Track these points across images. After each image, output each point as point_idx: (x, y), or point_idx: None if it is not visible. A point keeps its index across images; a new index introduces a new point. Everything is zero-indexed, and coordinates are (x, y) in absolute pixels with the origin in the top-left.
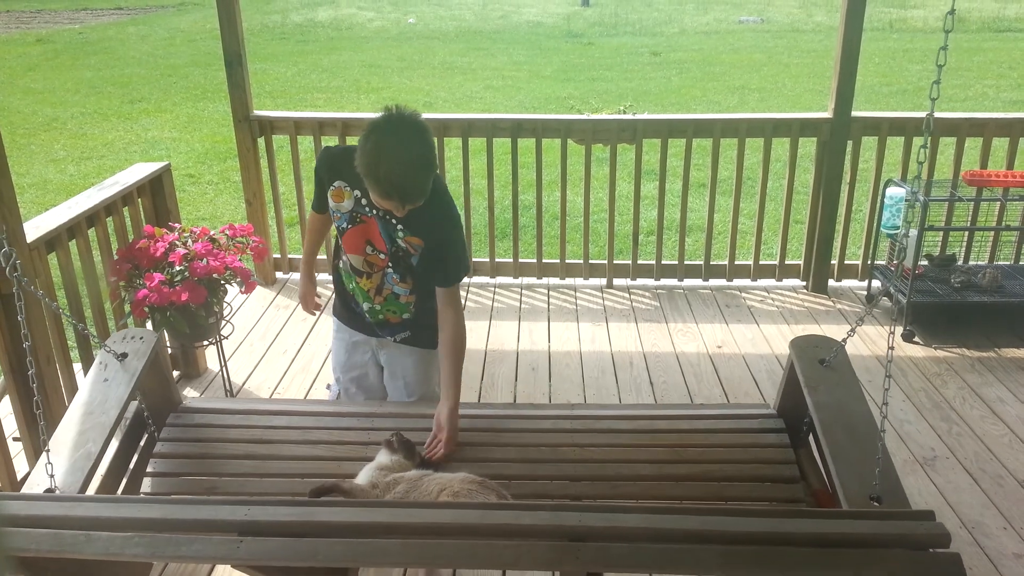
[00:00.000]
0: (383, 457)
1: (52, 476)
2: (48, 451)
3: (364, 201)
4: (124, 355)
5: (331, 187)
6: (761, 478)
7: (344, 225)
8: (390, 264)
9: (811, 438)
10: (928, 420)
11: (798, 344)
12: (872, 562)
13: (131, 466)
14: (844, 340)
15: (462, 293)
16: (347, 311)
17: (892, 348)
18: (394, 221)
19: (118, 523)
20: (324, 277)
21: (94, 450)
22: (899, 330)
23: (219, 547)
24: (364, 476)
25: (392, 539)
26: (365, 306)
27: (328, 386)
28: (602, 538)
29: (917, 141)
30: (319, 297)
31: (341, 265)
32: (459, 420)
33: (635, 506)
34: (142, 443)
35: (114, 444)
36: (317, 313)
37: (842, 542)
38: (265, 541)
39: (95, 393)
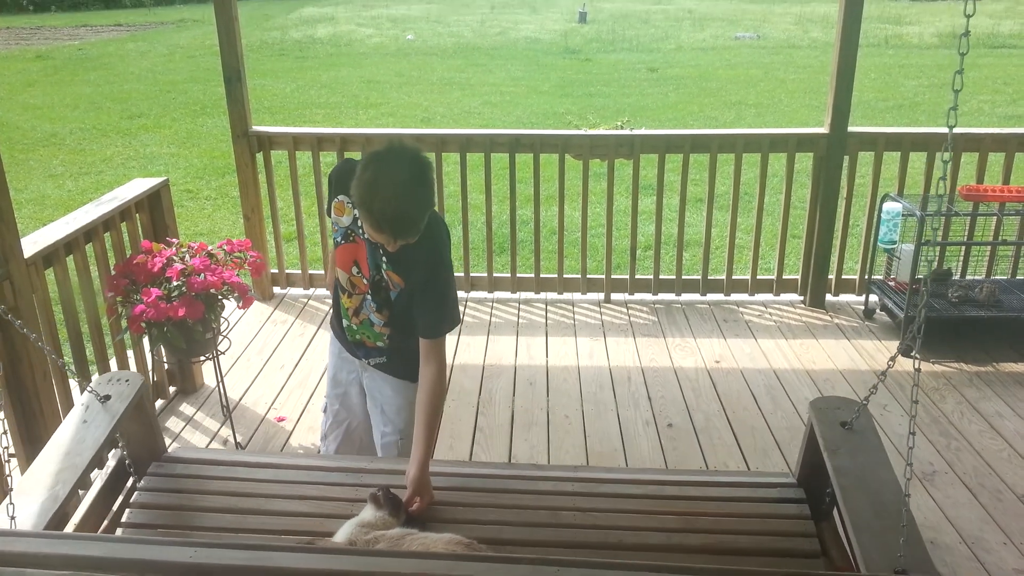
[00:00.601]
0: (367, 513)
1: (13, 518)
2: (11, 491)
3: (360, 222)
4: (107, 397)
5: (335, 199)
6: (779, 552)
7: (339, 239)
8: (370, 291)
9: (835, 512)
10: (927, 435)
11: (818, 406)
12: None
13: (109, 516)
14: (866, 399)
15: (459, 308)
16: (338, 323)
17: (916, 401)
18: (380, 251)
19: (55, 560)
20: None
21: (62, 493)
22: (899, 348)
23: None
24: (343, 533)
25: None
26: (345, 323)
27: (323, 409)
28: None
29: (914, 156)
30: None
31: (336, 277)
32: (429, 477)
33: (621, 563)
34: (124, 491)
35: (94, 490)
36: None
37: None
38: None
39: (72, 434)
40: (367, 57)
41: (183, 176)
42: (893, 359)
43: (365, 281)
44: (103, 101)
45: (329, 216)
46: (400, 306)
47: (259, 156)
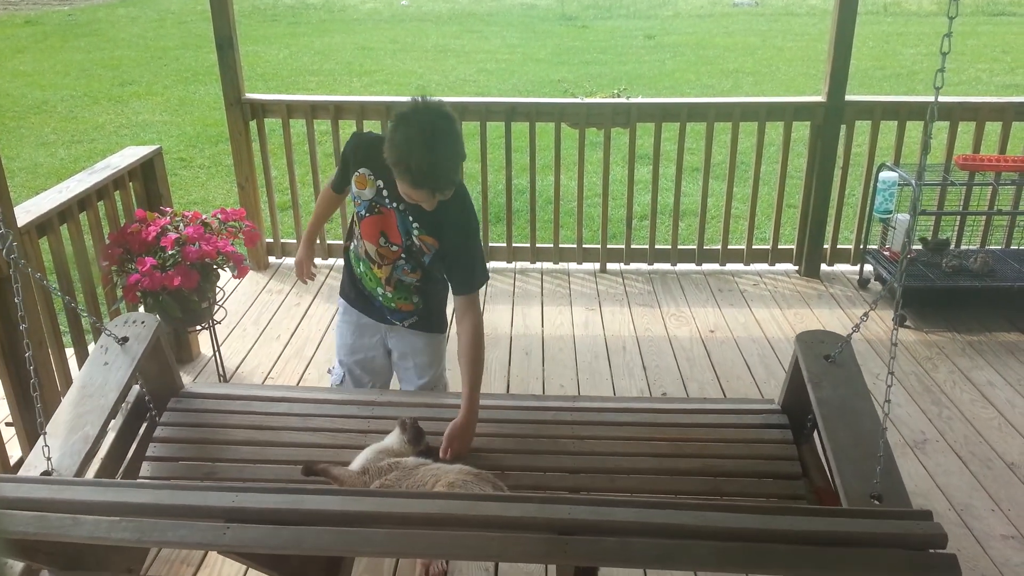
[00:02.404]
0: (391, 438)
1: (49, 459)
2: (45, 434)
3: (386, 192)
4: (125, 339)
5: (356, 172)
6: (762, 474)
7: (363, 212)
8: (403, 256)
9: (816, 435)
10: (919, 404)
11: (804, 339)
12: (867, 562)
13: (131, 450)
14: (849, 336)
15: None
16: (356, 292)
17: (895, 344)
18: (411, 218)
19: (106, 507)
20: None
21: (92, 433)
22: (889, 313)
23: (205, 533)
24: (360, 459)
25: (379, 528)
26: (379, 291)
27: (329, 370)
28: (591, 532)
29: (911, 126)
30: (315, 267)
31: (353, 248)
32: (475, 428)
33: (627, 500)
34: (143, 427)
35: (115, 428)
36: (309, 282)
37: (837, 541)
38: (250, 528)
39: (95, 376)
40: (360, 23)
41: (176, 144)
42: (875, 303)
43: (395, 248)
44: (94, 68)
45: (338, 192)
46: (434, 267)
47: (252, 124)
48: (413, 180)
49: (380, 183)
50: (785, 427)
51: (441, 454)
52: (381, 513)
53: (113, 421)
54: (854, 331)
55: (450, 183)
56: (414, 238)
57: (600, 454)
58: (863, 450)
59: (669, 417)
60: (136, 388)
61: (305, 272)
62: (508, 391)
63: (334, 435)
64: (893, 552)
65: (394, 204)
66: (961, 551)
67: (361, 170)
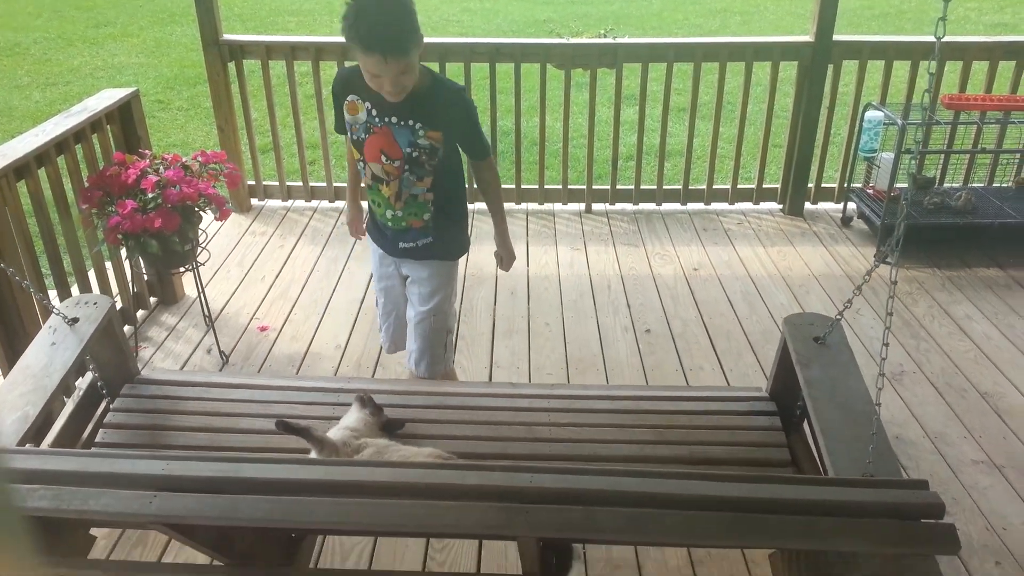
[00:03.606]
0: (353, 414)
1: None
2: None
3: (375, 112)
4: (75, 320)
5: (345, 101)
6: (750, 462)
7: (362, 136)
8: (407, 168)
9: (805, 424)
10: (897, 337)
11: (792, 322)
12: (858, 532)
13: (84, 437)
14: (839, 316)
15: None
16: (375, 229)
17: (891, 314)
18: (411, 121)
19: (24, 475)
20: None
21: (32, 413)
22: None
23: (129, 502)
24: (335, 434)
25: (322, 498)
26: (388, 214)
27: (376, 303)
28: (555, 501)
29: (898, 65)
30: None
31: (363, 179)
32: (512, 246)
33: (595, 468)
34: (97, 414)
35: (64, 414)
36: (364, 238)
37: (826, 510)
38: (180, 497)
39: (40, 357)
40: None
41: (153, 86)
42: (868, 274)
43: (396, 164)
44: (66, 9)
45: (342, 132)
46: (446, 160)
47: (231, 66)
48: (363, 45)
49: (368, 104)
50: (773, 414)
51: (504, 268)
52: (327, 482)
53: (65, 407)
54: (845, 307)
55: (401, 48)
56: (421, 142)
57: (578, 441)
58: (854, 430)
59: (652, 404)
60: (89, 374)
61: (357, 230)
62: (493, 329)
63: (296, 421)
64: (885, 522)
65: (386, 119)
66: (933, 476)
67: (349, 97)
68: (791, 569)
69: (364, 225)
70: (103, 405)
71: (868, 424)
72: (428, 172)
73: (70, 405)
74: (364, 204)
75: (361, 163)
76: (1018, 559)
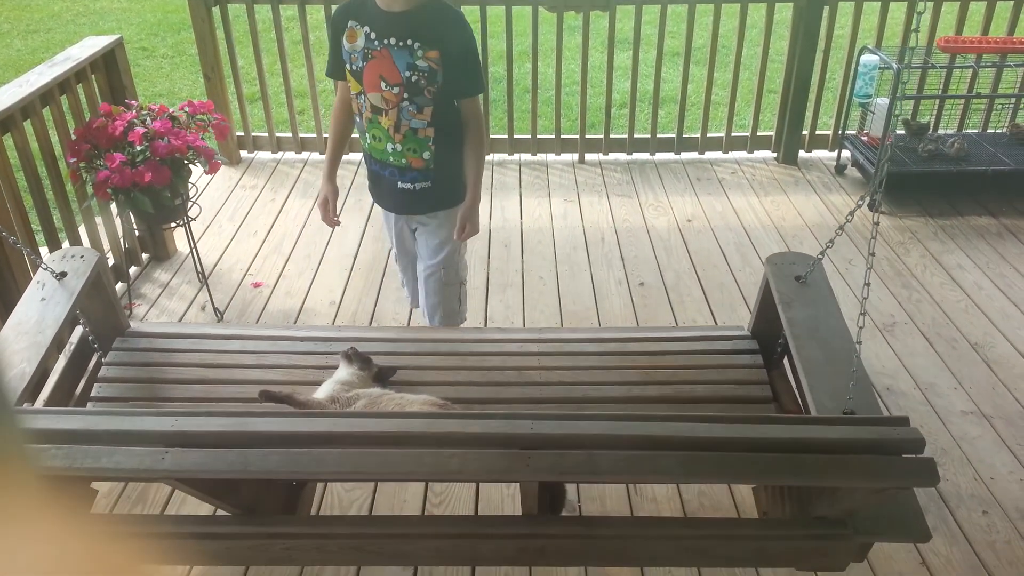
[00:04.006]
0: (342, 371)
1: None
2: None
3: (373, 35)
4: (63, 274)
5: (345, 30)
6: (734, 399)
7: (360, 64)
8: (406, 95)
9: (785, 360)
10: (889, 287)
11: (774, 261)
12: (841, 468)
13: (77, 392)
14: (820, 255)
15: None
16: (374, 183)
17: (872, 254)
18: (410, 41)
19: (34, 435)
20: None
21: (28, 370)
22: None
23: (142, 459)
24: (325, 390)
25: (330, 449)
26: (389, 147)
27: (395, 259)
28: (555, 446)
29: (894, 7)
30: (337, 215)
31: (358, 119)
32: (479, 213)
33: (591, 413)
34: (88, 369)
35: (57, 370)
36: (337, 225)
37: (810, 448)
38: (192, 452)
39: (30, 313)
40: None
41: (137, 33)
42: (851, 214)
43: (396, 90)
44: None
45: (337, 75)
46: (445, 85)
47: (216, 11)
48: None
49: (366, 28)
50: (755, 352)
51: (457, 236)
52: (334, 433)
53: (56, 363)
54: (826, 248)
55: None
56: (419, 63)
57: (568, 383)
58: (835, 368)
59: (638, 346)
60: (80, 328)
61: (329, 216)
62: (487, 283)
63: (289, 371)
64: (867, 458)
65: (385, 41)
66: (923, 426)
67: (349, 24)
68: (774, 500)
69: (336, 218)
70: (94, 359)
71: (848, 361)
72: (428, 101)
73: (62, 360)
74: (356, 181)
75: (361, 96)
76: (1005, 508)
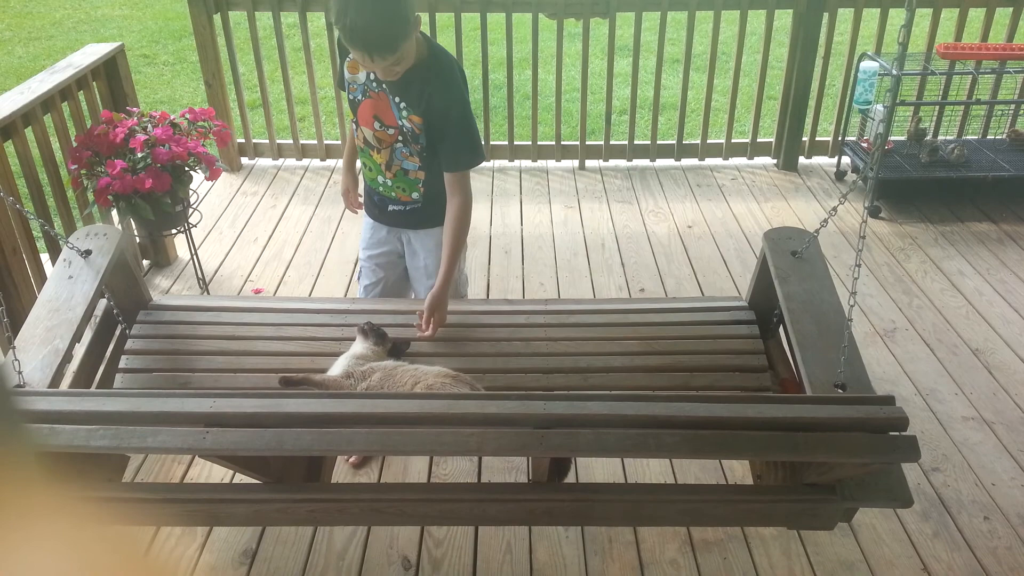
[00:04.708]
0: (357, 346)
1: (20, 372)
2: (14, 348)
3: (372, 76)
4: (88, 252)
5: (347, 59)
6: (731, 368)
7: (359, 97)
8: (400, 139)
9: (781, 330)
10: (890, 293)
11: (771, 236)
12: (831, 445)
13: (103, 365)
14: (817, 231)
15: None
16: (365, 193)
17: (863, 237)
18: (397, 98)
19: (83, 416)
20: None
21: (62, 346)
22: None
23: (185, 438)
24: (340, 365)
25: (358, 428)
26: (380, 179)
27: (357, 278)
28: (567, 425)
29: (894, 13)
30: (360, 195)
31: (357, 142)
32: (447, 298)
33: (600, 394)
34: (113, 341)
35: (84, 342)
36: (359, 211)
37: (803, 426)
38: (231, 432)
39: (60, 290)
40: None
41: (138, 40)
42: (844, 196)
43: (391, 131)
44: None
45: (343, 88)
46: (428, 150)
47: (217, 18)
48: (348, 39)
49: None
50: (752, 323)
51: (424, 327)
52: (361, 414)
53: (81, 337)
54: (822, 226)
55: (387, 45)
56: (404, 120)
57: (573, 354)
58: (828, 341)
59: (640, 316)
60: (103, 302)
61: (352, 201)
62: (488, 290)
63: (308, 343)
64: (856, 435)
65: (384, 86)
66: (924, 433)
67: (353, 54)
68: (767, 468)
69: (360, 198)
70: (118, 331)
71: (841, 336)
72: (419, 152)
73: (88, 333)
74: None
75: (354, 124)
76: (1006, 514)
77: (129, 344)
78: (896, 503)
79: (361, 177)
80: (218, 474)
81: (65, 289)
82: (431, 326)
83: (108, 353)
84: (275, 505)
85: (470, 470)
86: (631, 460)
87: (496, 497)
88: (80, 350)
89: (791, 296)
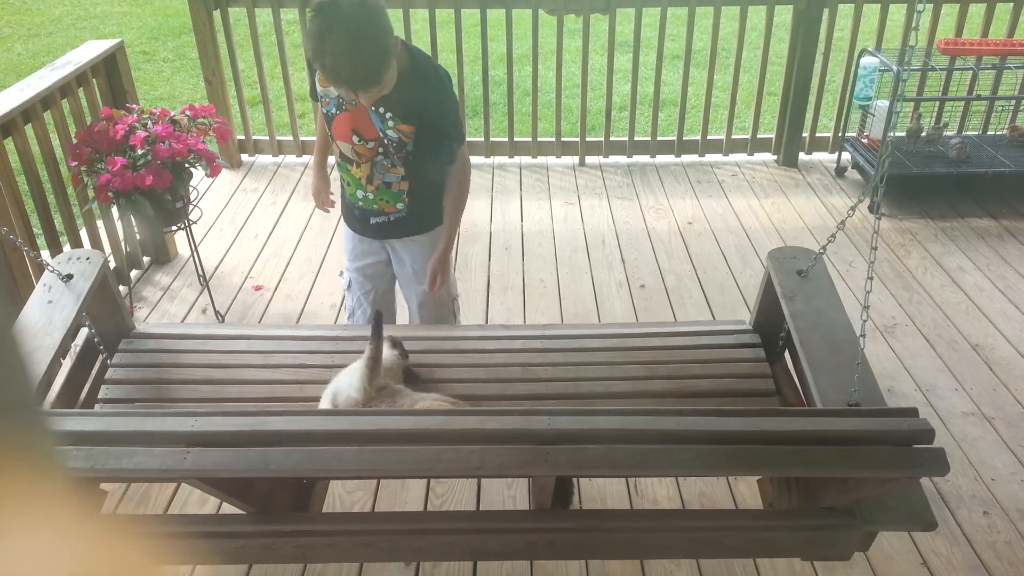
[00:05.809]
0: (385, 351)
1: None
2: None
3: None
4: (69, 276)
5: (318, 73)
6: (737, 393)
7: (332, 111)
8: (380, 152)
9: (787, 354)
10: (890, 290)
11: (775, 256)
12: (853, 458)
13: (83, 395)
14: (822, 249)
15: None
16: (343, 204)
17: (874, 248)
18: (382, 110)
19: (56, 436)
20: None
21: (39, 373)
22: (867, 204)
23: (163, 459)
24: (355, 376)
25: (350, 447)
26: (359, 194)
27: (341, 273)
28: (573, 441)
29: (894, 9)
30: (332, 194)
31: (333, 155)
32: (451, 259)
33: (607, 408)
34: (94, 370)
35: (62, 372)
36: (331, 210)
37: (823, 439)
38: (213, 452)
39: (39, 316)
40: None
41: (137, 37)
42: (852, 209)
43: (370, 145)
44: None
45: (315, 98)
46: (419, 153)
47: (216, 14)
48: (329, 80)
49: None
50: (757, 346)
51: (429, 287)
52: (353, 431)
53: (63, 365)
54: (829, 241)
55: (372, 81)
56: (390, 132)
57: (574, 380)
58: (839, 360)
59: (642, 341)
60: (84, 331)
61: (324, 201)
62: (488, 287)
63: (297, 371)
64: (879, 448)
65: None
66: None
67: None
68: (779, 491)
69: (332, 197)
70: (99, 361)
71: (853, 354)
72: (401, 161)
73: (68, 362)
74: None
75: (329, 138)
76: (1005, 509)
77: (110, 374)
78: (918, 526)
79: (338, 185)
80: (209, 510)
81: (43, 314)
82: (437, 282)
83: (88, 383)
84: (259, 540)
85: (469, 499)
86: (635, 490)
87: (495, 527)
88: (58, 381)
89: (799, 315)
